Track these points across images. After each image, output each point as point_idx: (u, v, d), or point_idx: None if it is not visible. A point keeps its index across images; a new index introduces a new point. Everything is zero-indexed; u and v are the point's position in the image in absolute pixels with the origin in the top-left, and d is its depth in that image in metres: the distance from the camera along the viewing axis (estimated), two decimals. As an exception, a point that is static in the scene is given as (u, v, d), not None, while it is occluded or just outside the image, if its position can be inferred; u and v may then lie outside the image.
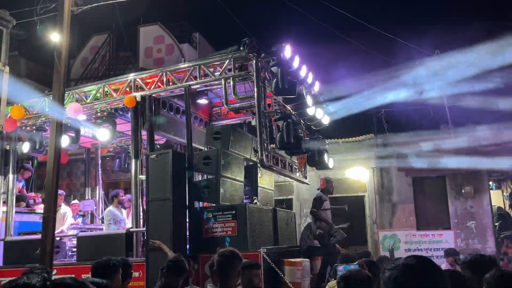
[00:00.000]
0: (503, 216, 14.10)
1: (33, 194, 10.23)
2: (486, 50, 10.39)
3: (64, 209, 9.41)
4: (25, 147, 8.82)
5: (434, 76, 11.96)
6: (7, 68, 8.07)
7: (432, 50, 12.72)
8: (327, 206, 8.74)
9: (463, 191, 12.81)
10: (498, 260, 10.64)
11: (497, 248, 12.37)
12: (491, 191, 13.38)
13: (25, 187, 10.09)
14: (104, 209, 10.10)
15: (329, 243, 8.35)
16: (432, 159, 12.32)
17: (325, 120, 8.85)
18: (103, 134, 8.12)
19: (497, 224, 13.50)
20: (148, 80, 8.14)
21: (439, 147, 12.58)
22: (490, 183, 13.76)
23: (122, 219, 9.05)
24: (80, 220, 10.18)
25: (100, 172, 11.07)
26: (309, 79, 8.02)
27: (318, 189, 9.08)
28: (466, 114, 12.15)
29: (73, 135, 8.75)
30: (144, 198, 7.48)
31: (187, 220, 7.22)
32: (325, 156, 9.17)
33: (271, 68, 7.41)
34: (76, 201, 10.49)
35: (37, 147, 8.77)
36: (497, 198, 14.41)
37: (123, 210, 9.26)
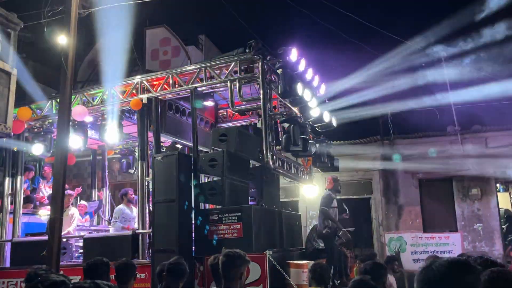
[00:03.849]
0: (511, 218, 13.99)
1: (40, 195, 10.27)
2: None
3: (72, 210, 9.46)
4: (33, 149, 8.88)
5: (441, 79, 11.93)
6: (15, 71, 8.12)
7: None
8: (334, 204, 8.74)
9: (470, 193, 12.73)
10: (506, 264, 10.56)
11: (504, 251, 12.28)
12: (498, 193, 13.27)
13: (30, 188, 10.13)
14: (111, 210, 10.13)
15: (333, 243, 8.32)
16: (439, 161, 12.27)
17: (332, 123, 8.85)
18: (109, 136, 8.17)
19: (504, 226, 13.40)
20: (155, 82, 8.18)
21: (446, 149, 12.53)
22: (498, 185, 13.65)
23: (133, 217, 9.06)
24: (88, 217, 10.19)
25: (106, 173, 11.12)
26: (315, 82, 8.02)
27: (325, 189, 9.06)
28: (473, 116, 12.11)
29: (80, 137, 8.79)
30: (150, 200, 7.51)
31: (193, 222, 7.23)
32: (331, 158, 9.16)
33: (277, 71, 7.43)
34: (83, 202, 10.52)
35: (44, 149, 8.83)
36: (504, 200, 14.28)
37: (133, 208, 9.27)
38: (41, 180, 10.55)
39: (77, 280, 2.56)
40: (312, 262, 7.21)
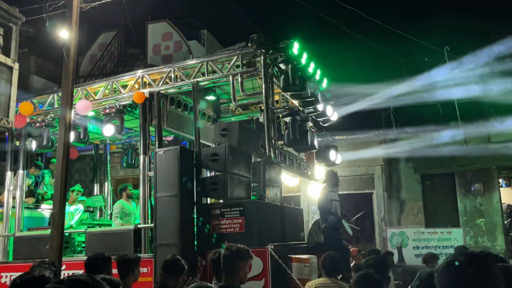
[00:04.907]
0: (513, 213, 13.95)
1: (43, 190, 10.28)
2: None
3: (77, 205, 9.49)
4: (34, 144, 8.88)
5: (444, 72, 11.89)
6: (16, 65, 8.11)
7: (441, 46, 12.65)
8: (334, 197, 8.63)
9: (472, 188, 12.71)
10: (508, 259, 10.56)
11: (506, 246, 12.27)
12: (501, 188, 13.25)
13: (34, 184, 10.14)
14: (113, 205, 10.15)
15: (333, 238, 8.27)
16: (441, 156, 12.24)
17: (333, 117, 8.82)
18: (110, 131, 8.15)
19: (506, 222, 13.37)
20: (156, 77, 8.16)
21: (448, 143, 12.49)
22: (500, 180, 13.63)
23: (133, 212, 9.08)
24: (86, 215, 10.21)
25: (109, 168, 11.13)
26: (317, 76, 8.00)
27: (323, 182, 8.97)
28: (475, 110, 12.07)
29: (82, 131, 8.79)
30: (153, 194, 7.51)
31: (195, 216, 7.23)
32: (333, 152, 9.14)
33: (279, 65, 7.40)
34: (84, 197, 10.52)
35: (46, 144, 8.83)
36: (507, 195, 14.25)
37: (133, 203, 9.28)
38: (50, 175, 10.54)
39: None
40: (314, 256, 7.23)
